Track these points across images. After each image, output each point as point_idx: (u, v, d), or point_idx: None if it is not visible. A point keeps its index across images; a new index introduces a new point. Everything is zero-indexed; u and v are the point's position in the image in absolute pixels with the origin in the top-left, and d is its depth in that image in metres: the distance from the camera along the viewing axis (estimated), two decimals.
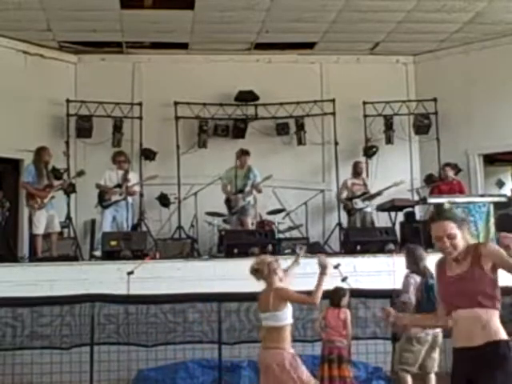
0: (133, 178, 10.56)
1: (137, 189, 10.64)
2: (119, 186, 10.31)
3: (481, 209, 9.78)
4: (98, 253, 9.93)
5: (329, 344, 7.03)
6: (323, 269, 5.42)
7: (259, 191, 10.63)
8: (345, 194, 11.24)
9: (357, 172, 11.38)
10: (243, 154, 10.73)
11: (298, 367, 5.30)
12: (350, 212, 11.11)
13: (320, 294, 5.38)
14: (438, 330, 6.76)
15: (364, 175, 11.50)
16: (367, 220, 11.07)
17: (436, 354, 6.82)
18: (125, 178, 10.38)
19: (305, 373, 5.34)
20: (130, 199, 10.46)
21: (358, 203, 11.06)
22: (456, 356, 3.80)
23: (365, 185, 11.32)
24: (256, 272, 5.51)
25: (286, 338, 5.35)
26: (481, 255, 3.76)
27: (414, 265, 6.95)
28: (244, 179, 10.64)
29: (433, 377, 6.88)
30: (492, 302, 3.73)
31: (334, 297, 7.19)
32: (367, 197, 11.11)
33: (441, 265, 3.98)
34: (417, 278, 6.90)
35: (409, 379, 6.75)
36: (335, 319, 7.06)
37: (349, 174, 11.48)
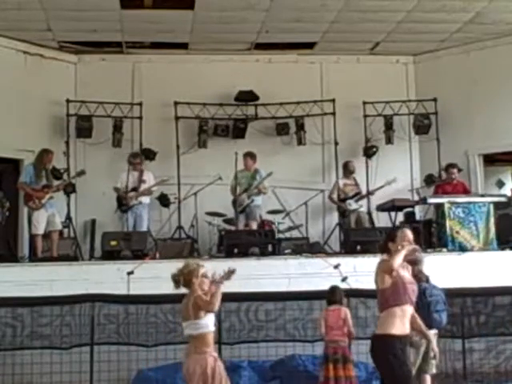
0: (148, 178, 10.63)
1: (154, 188, 10.70)
2: (135, 189, 10.41)
3: (481, 209, 9.78)
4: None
5: (333, 344, 7.02)
6: (224, 278, 5.32)
7: (262, 192, 10.64)
8: (335, 195, 11.25)
9: (349, 171, 11.39)
10: (245, 156, 10.88)
11: (216, 372, 5.25)
12: (344, 213, 11.10)
13: (215, 302, 5.25)
14: (433, 333, 6.76)
15: (360, 174, 11.51)
16: (361, 221, 11.06)
17: (431, 356, 6.77)
18: (140, 180, 10.46)
19: (223, 378, 5.30)
20: (147, 199, 10.58)
21: (352, 204, 11.06)
22: (401, 340, 4.84)
23: (356, 185, 11.32)
24: (174, 282, 5.43)
25: (208, 343, 5.25)
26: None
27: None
28: (250, 180, 10.71)
29: (428, 377, 6.85)
30: None
31: (334, 296, 7.19)
32: (360, 197, 11.13)
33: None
34: None
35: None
36: (337, 319, 7.06)
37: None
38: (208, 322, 5.30)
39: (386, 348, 4.81)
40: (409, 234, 5.03)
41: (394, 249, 4.94)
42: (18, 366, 8.03)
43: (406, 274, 5.05)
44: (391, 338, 4.80)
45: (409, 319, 4.96)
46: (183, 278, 5.39)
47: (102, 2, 10.11)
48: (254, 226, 10.62)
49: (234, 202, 10.68)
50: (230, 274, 5.37)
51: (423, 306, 6.61)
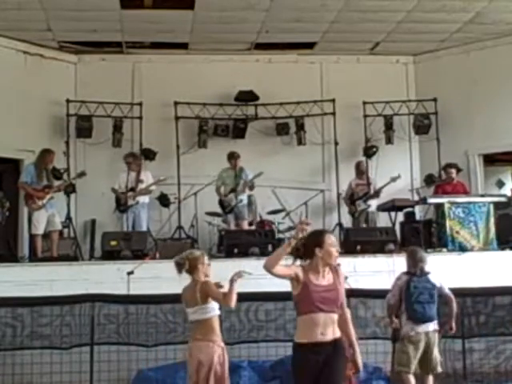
0: (146, 177, 10.59)
1: (152, 188, 10.65)
2: (132, 189, 10.39)
3: (481, 209, 9.78)
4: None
5: None
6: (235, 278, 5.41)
7: (251, 188, 10.65)
8: (349, 196, 11.29)
9: (360, 171, 11.40)
10: (231, 156, 10.80)
11: (224, 363, 5.41)
12: (354, 215, 11.13)
13: (233, 297, 5.35)
14: (431, 329, 6.77)
15: (369, 174, 11.52)
16: (370, 220, 11.09)
17: (434, 355, 6.80)
18: (138, 180, 10.45)
19: (226, 371, 5.45)
20: (146, 199, 10.55)
21: (361, 204, 11.08)
22: (310, 348, 4.67)
23: (369, 184, 11.32)
24: (178, 265, 5.49)
25: (215, 329, 5.42)
26: (339, 275, 4.92)
27: (413, 267, 7.00)
28: (236, 179, 10.68)
29: (430, 378, 6.87)
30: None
31: None
32: (368, 196, 11.14)
33: (307, 270, 4.85)
34: (404, 278, 6.94)
35: (411, 379, 6.74)
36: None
37: (349, 173, 11.48)
38: (214, 306, 5.42)
39: (293, 355, 4.80)
40: (333, 238, 4.85)
41: (321, 255, 4.77)
42: (18, 365, 8.02)
43: (323, 280, 4.83)
44: (296, 347, 4.75)
45: (327, 326, 4.75)
46: (188, 263, 5.44)
47: (102, 2, 10.11)
48: (245, 225, 10.61)
49: (220, 202, 10.67)
50: (240, 273, 5.42)
51: (406, 298, 6.78)
